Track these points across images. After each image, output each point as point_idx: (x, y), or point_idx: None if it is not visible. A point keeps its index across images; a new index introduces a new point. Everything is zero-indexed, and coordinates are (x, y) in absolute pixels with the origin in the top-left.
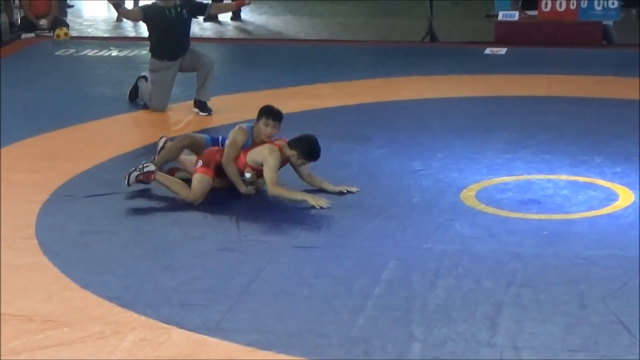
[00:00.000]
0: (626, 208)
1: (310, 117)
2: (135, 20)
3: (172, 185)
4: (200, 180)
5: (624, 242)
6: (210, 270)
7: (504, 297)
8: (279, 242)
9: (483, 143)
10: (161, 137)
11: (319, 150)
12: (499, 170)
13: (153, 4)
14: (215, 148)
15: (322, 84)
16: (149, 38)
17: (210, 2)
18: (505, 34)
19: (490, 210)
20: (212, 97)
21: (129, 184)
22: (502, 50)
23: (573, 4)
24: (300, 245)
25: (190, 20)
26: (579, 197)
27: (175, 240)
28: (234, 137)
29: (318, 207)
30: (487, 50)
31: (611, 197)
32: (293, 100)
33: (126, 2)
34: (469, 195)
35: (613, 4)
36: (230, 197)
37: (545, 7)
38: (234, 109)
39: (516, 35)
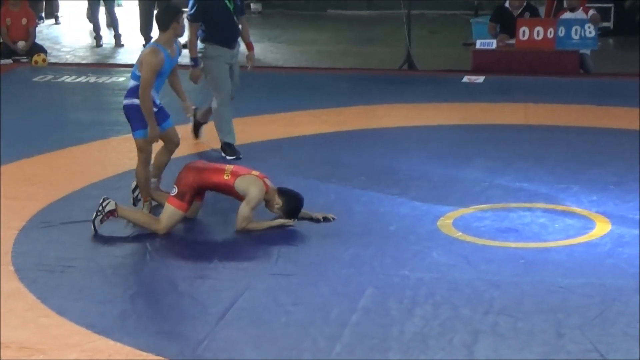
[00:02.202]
0: (603, 237)
1: (288, 144)
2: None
3: (137, 218)
4: (171, 215)
5: (600, 271)
6: (187, 297)
7: (481, 326)
8: (256, 269)
9: (461, 171)
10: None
11: (299, 212)
12: (476, 198)
13: None
14: (191, 175)
15: (300, 111)
16: (204, 27)
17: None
18: (483, 63)
19: (468, 238)
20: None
21: (96, 231)
22: (480, 79)
23: (550, 33)
24: (278, 273)
25: (240, 9)
26: (556, 225)
27: (152, 268)
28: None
29: (290, 224)
30: (465, 79)
31: (588, 225)
32: (271, 127)
33: None
34: (446, 223)
35: (590, 33)
36: (207, 224)
37: (523, 35)
38: (210, 134)
39: (494, 63)
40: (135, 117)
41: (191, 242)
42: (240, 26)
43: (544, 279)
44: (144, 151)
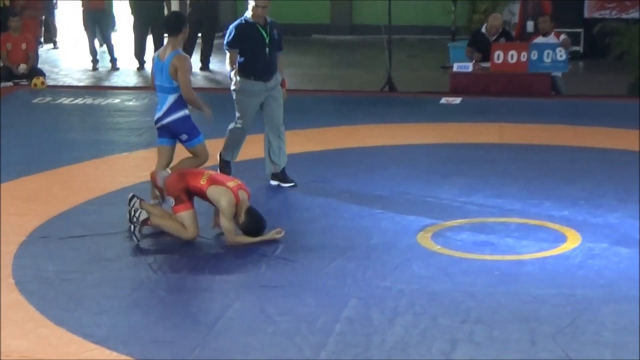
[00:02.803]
0: (574, 249)
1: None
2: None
3: (169, 226)
4: (188, 219)
5: (571, 282)
6: (180, 308)
7: (459, 334)
8: (245, 281)
9: (439, 188)
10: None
11: (258, 235)
12: (454, 213)
13: (244, 21)
14: (175, 179)
15: (287, 131)
16: (240, 57)
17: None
18: (460, 85)
19: (446, 251)
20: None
21: (138, 240)
22: (457, 100)
23: (524, 57)
24: (266, 285)
25: (278, 43)
26: (529, 239)
27: (145, 280)
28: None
29: (280, 236)
30: (443, 100)
31: (559, 239)
32: (258, 146)
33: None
34: (425, 237)
35: (561, 56)
36: (198, 239)
37: (498, 59)
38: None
39: (470, 85)
40: (188, 128)
41: (183, 256)
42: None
43: (518, 289)
44: (201, 156)
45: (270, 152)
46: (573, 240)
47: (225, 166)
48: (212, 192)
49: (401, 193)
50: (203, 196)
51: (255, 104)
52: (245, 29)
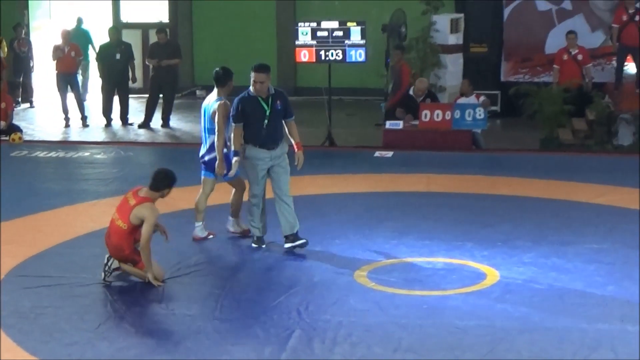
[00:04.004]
0: (492, 285)
1: (227, 210)
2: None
3: (134, 271)
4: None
5: (491, 314)
6: (143, 339)
7: None
8: (202, 314)
9: (373, 231)
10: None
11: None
12: (386, 254)
13: (246, 95)
14: (120, 248)
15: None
16: (245, 128)
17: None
18: (392, 140)
19: (380, 287)
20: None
21: (105, 279)
22: (389, 154)
23: (448, 115)
24: (221, 318)
25: (282, 113)
26: (454, 276)
27: (112, 315)
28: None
29: (156, 284)
30: (377, 154)
31: (480, 276)
32: (214, 195)
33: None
34: (361, 275)
35: (480, 115)
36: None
37: (425, 117)
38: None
39: (401, 140)
40: (227, 164)
41: (144, 292)
42: (287, 128)
43: (443, 321)
44: (238, 186)
45: (280, 217)
46: (492, 278)
47: (259, 242)
48: (135, 210)
49: (340, 236)
50: (134, 229)
51: (261, 170)
52: (247, 102)
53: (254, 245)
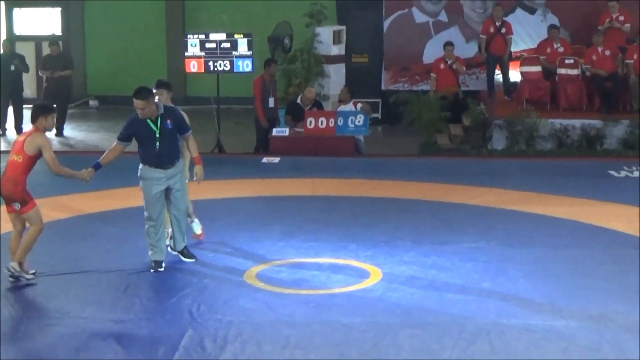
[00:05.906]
0: (375, 284)
1: (122, 214)
2: (122, 150)
3: (26, 244)
4: (36, 212)
5: (374, 311)
6: (37, 344)
7: (280, 358)
8: (97, 317)
9: (262, 233)
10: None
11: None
12: (275, 255)
13: (135, 116)
14: (10, 184)
15: (129, 187)
16: (138, 148)
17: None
18: (279, 146)
19: (268, 287)
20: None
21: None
22: (276, 159)
23: (331, 122)
24: (115, 320)
25: (175, 130)
26: (339, 275)
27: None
28: None
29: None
30: (264, 159)
31: (364, 275)
32: (107, 200)
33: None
34: (251, 276)
35: (360, 122)
36: (49, 280)
37: (310, 124)
38: (58, 208)
39: (287, 147)
40: None
41: (37, 291)
42: (185, 143)
43: (329, 319)
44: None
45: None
46: (375, 276)
47: (157, 266)
48: (27, 143)
49: (229, 239)
50: (29, 161)
51: (157, 191)
52: (135, 124)
53: (151, 270)
